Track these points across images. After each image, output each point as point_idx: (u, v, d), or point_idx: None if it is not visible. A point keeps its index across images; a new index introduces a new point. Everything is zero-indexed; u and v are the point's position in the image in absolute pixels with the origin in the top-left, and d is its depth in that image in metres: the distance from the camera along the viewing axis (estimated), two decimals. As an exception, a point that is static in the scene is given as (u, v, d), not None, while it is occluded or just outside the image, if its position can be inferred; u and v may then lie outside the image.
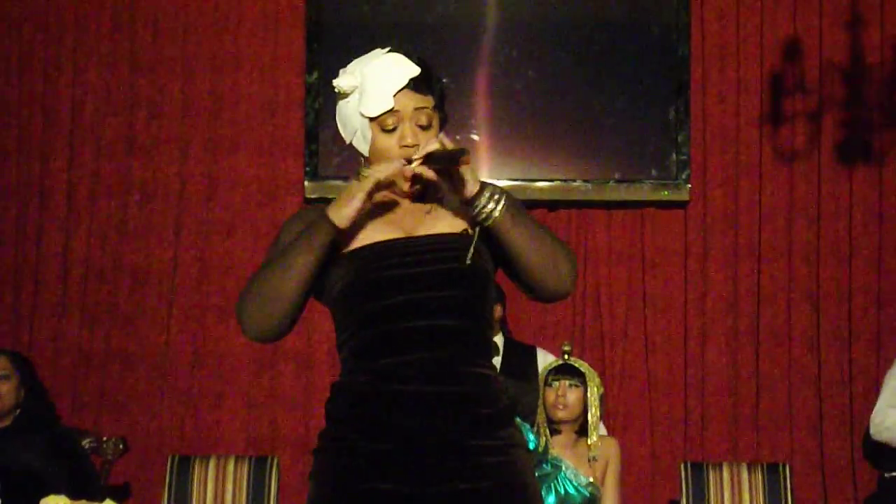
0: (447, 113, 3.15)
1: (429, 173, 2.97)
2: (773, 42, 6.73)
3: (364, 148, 3.06)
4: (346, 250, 3.01)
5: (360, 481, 2.92)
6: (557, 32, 6.67)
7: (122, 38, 6.75)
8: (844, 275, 6.71)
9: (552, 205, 6.61)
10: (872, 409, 6.42)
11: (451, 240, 3.03)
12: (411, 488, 2.90)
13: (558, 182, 6.42)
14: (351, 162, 6.52)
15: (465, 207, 3.02)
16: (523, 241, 2.98)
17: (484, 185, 2.98)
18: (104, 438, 5.92)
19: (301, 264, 2.95)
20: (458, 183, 2.97)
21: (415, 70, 3.05)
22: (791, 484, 5.97)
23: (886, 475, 6.19)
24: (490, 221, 2.96)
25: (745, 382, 6.69)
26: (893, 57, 6.63)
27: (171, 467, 5.97)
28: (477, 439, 2.94)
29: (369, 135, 3.04)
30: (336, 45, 6.64)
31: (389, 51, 3.13)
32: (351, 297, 2.99)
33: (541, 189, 6.31)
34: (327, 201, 6.43)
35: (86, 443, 5.83)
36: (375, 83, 3.04)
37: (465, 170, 2.95)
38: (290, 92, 6.73)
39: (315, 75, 6.63)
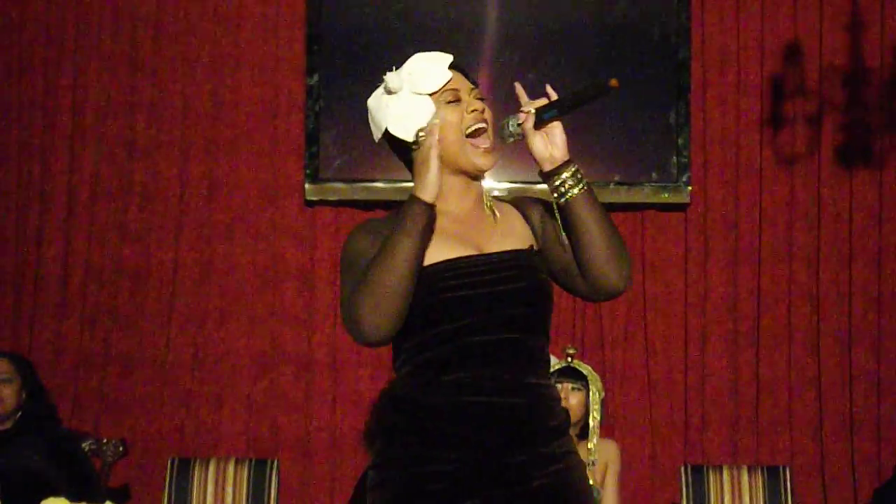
0: None
1: (528, 124, 3.05)
2: (774, 45, 6.74)
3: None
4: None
5: (427, 486, 2.97)
6: (558, 36, 6.67)
7: (122, 40, 6.75)
8: (845, 278, 6.71)
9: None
10: (873, 412, 6.45)
11: (521, 256, 3.08)
12: (483, 493, 2.96)
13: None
14: (350, 164, 6.54)
15: (521, 220, 3.10)
16: (596, 227, 3.02)
17: (572, 160, 3.03)
18: (104, 440, 5.92)
19: (408, 250, 2.94)
20: (552, 146, 3.03)
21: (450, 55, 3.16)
22: (791, 487, 5.97)
23: None
24: (569, 197, 3.01)
25: (746, 385, 6.69)
26: (893, 60, 6.64)
27: (171, 469, 5.96)
28: (545, 447, 3.02)
29: (434, 113, 3.09)
30: (336, 47, 6.64)
31: None
32: (424, 315, 3.00)
33: (542, 191, 6.30)
34: (328, 203, 6.48)
35: (85, 445, 5.82)
36: (425, 65, 3.14)
37: (559, 131, 3.03)
38: (290, 94, 6.72)
39: (315, 78, 6.63)
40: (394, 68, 3.22)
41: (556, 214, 3.06)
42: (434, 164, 2.98)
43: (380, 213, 6.48)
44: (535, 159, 3.08)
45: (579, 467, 3.12)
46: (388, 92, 3.16)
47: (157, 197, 6.71)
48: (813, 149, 6.70)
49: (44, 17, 6.75)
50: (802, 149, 6.70)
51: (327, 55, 6.64)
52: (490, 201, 3.18)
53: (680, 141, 6.63)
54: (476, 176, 3.16)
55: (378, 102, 3.20)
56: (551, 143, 3.03)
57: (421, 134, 3.06)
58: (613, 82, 2.96)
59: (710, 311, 6.72)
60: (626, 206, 6.62)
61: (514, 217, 3.19)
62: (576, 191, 3.00)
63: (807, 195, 6.73)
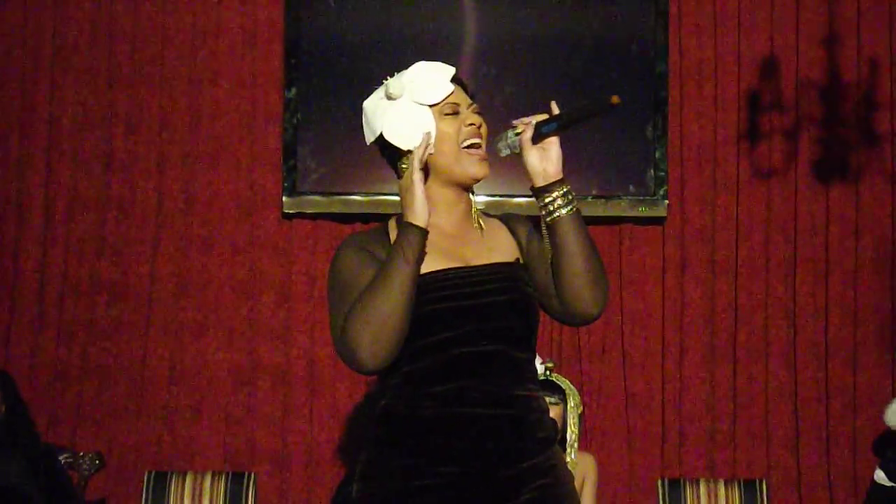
0: None
1: (525, 136, 3.04)
2: (751, 60, 6.76)
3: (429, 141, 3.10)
4: None
5: (416, 495, 2.97)
6: (536, 49, 6.69)
7: (99, 53, 6.73)
8: (821, 291, 6.74)
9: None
10: (849, 425, 6.48)
11: (507, 269, 3.08)
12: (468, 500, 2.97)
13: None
14: (328, 177, 6.54)
15: (508, 234, 3.12)
16: (578, 250, 3.02)
17: (565, 179, 3.03)
18: (80, 454, 5.91)
19: (406, 279, 2.94)
20: (547, 162, 3.03)
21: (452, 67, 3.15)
22: (767, 500, 5.99)
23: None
24: (556, 216, 3.00)
25: (722, 398, 6.71)
26: (870, 74, 6.67)
27: (148, 483, 5.95)
28: (532, 459, 3.02)
29: (433, 125, 3.08)
30: (314, 60, 6.64)
31: None
32: (412, 327, 2.98)
33: (519, 205, 6.29)
34: (306, 217, 6.47)
35: (62, 458, 5.81)
36: (427, 75, 3.12)
37: (556, 148, 3.03)
38: (268, 107, 6.72)
39: (293, 91, 6.63)
40: (393, 74, 3.20)
41: (544, 231, 3.06)
42: (419, 190, 2.98)
43: (358, 226, 6.50)
44: (527, 173, 3.06)
45: (567, 480, 3.13)
46: (388, 97, 3.14)
47: (135, 210, 6.70)
48: (789, 163, 6.73)
49: (20, 31, 6.73)
50: (779, 163, 6.72)
51: (305, 69, 6.64)
52: (478, 214, 3.18)
53: (657, 154, 6.65)
54: (466, 188, 3.15)
55: (375, 106, 3.18)
56: (546, 159, 3.03)
57: (404, 165, 3.05)
58: (615, 100, 2.96)
59: (687, 325, 6.73)
60: (604, 219, 6.62)
61: (501, 231, 3.20)
62: (564, 211, 3.00)
63: (783, 209, 6.75)
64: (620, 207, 6.66)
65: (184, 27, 6.75)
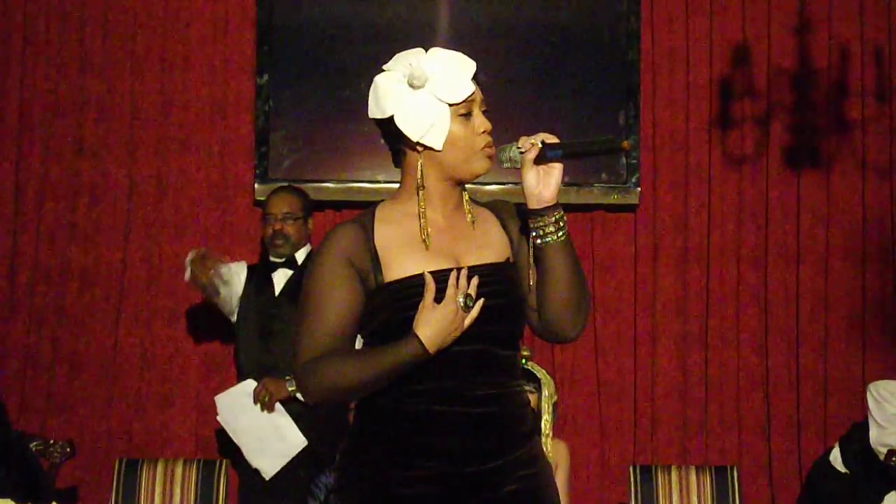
0: None
1: (529, 156, 2.98)
2: (722, 47, 6.78)
3: (439, 140, 3.03)
4: (393, 279, 3.00)
5: (399, 488, 2.97)
6: (508, 36, 6.69)
7: (70, 39, 6.70)
8: (792, 278, 6.76)
9: (502, 208, 6.61)
10: (820, 412, 6.52)
11: (497, 270, 3.05)
12: (450, 493, 2.97)
13: (509, 185, 6.38)
14: (300, 164, 6.52)
15: (500, 228, 3.09)
16: (564, 276, 3.00)
17: (559, 204, 2.99)
18: (51, 441, 5.88)
19: (387, 380, 2.96)
20: (544, 186, 2.97)
21: (473, 62, 3.09)
22: (739, 486, 6.00)
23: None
24: (546, 242, 2.97)
25: (694, 385, 6.73)
26: (841, 62, 6.69)
27: (119, 470, 5.93)
28: (515, 453, 3.02)
29: (447, 124, 3.03)
30: (286, 47, 6.63)
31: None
32: (399, 326, 2.96)
33: (490, 192, 6.30)
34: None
35: (33, 446, 5.79)
36: (452, 70, 3.05)
37: (557, 174, 2.97)
38: (240, 94, 6.70)
39: (265, 77, 6.62)
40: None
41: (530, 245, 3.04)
42: (454, 327, 2.93)
43: (329, 214, 6.50)
44: (524, 190, 3.03)
45: (547, 470, 3.13)
46: (410, 84, 3.05)
47: (106, 196, 6.68)
48: (761, 150, 6.75)
49: (-9, 16, 6.70)
50: (751, 150, 6.74)
51: (277, 55, 6.63)
52: (469, 206, 3.13)
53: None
54: (461, 181, 3.10)
55: (390, 87, 3.05)
56: (544, 183, 2.97)
57: (466, 302, 2.95)
58: (625, 145, 2.94)
59: (659, 312, 6.75)
60: (576, 206, 6.62)
61: (492, 224, 3.13)
62: (552, 238, 2.96)
63: (755, 196, 6.77)
64: (593, 195, 6.67)
65: (155, 14, 6.73)
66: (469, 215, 3.10)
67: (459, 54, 3.09)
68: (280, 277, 5.71)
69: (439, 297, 2.93)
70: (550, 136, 3.01)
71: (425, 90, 3.03)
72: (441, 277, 2.96)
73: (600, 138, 3.01)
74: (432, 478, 2.96)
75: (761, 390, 6.74)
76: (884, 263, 6.76)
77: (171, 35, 6.73)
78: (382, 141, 3.13)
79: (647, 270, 6.76)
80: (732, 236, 6.77)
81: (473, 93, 3.05)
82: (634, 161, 6.66)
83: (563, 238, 2.98)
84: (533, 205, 2.98)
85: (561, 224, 2.98)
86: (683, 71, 6.79)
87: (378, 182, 6.51)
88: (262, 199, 6.53)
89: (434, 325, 2.91)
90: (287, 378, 5.42)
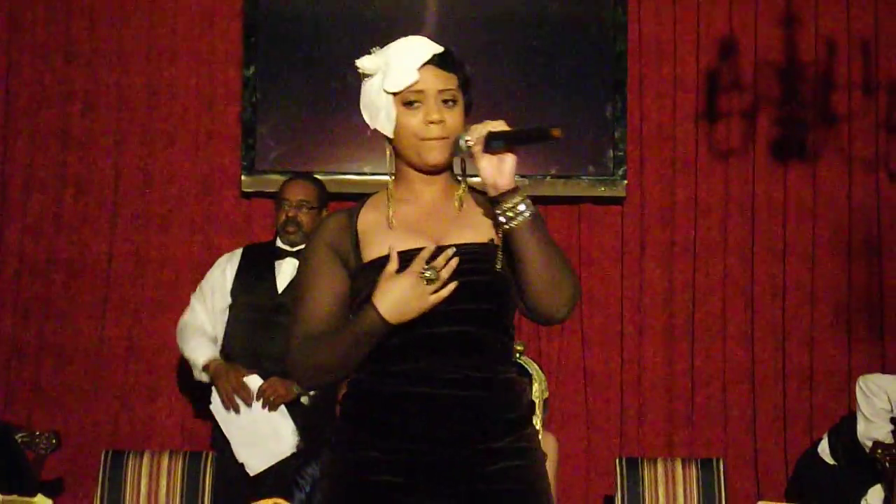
0: (472, 100, 3.15)
1: (476, 148, 2.97)
2: (710, 40, 6.78)
3: (388, 129, 3.05)
4: (372, 258, 3.01)
5: (375, 475, 2.96)
6: (495, 28, 6.68)
7: (56, 30, 6.69)
8: (778, 271, 6.77)
9: (489, 200, 6.61)
10: (805, 405, 6.54)
11: (478, 249, 3.02)
12: (427, 485, 2.95)
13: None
14: (287, 156, 6.51)
15: (489, 212, 3.03)
16: (536, 258, 2.96)
17: (519, 188, 2.97)
18: (37, 433, 5.87)
19: (359, 356, 2.99)
20: (498, 174, 2.96)
21: (438, 48, 3.06)
22: (724, 478, 6.00)
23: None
24: (514, 224, 2.95)
25: (681, 378, 6.74)
26: (827, 55, 6.70)
27: (105, 462, 5.91)
28: (496, 443, 2.99)
29: (393, 113, 3.03)
30: (273, 38, 6.62)
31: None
32: None
33: (477, 184, 6.29)
34: (264, 195, 6.44)
35: (18, 437, 5.78)
36: (399, 59, 3.03)
37: (510, 161, 2.96)
38: (227, 85, 6.69)
39: (252, 69, 6.61)
40: (375, 49, 3.13)
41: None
42: (418, 299, 2.94)
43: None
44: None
45: (538, 467, 3.08)
46: (362, 73, 3.07)
47: (92, 188, 6.66)
48: (748, 143, 6.75)
49: (-24, 6, 6.68)
50: (737, 143, 6.75)
51: (264, 47, 6.62)
52: (463, 192, 3.11)
53: (616, 134, 6.66)
54: (420, 170, 3.08)
55: (363, 76, 3.12)
56: (498, 171, 2.96)
57: (428, 274, 2.94)
58: (556, 133, 2.92)
59: (645, 305, 6.75)
60: (563, 199, 6.64)
61: (484, 208, 3.09)
62: (520, 220, 2.94)
63: (742, 189, 6.78)
64: (579, 187, 6.67)
65: (142, 4, 6.71)
66: (458, 200, 3.09)
67: (419, 42, 3.07)
68: (286, 267, 5.63)
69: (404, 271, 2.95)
70: (497, 123, 2.98)
71: (376, 78, 3.05)
72: (414, 255, 2.95)
73: (537, 127, 2.98)
74: (401, 464, 2.94)
75: (747, 383, 6.75)
76: (870, 257, 6.77)
77: (157, 26, 6.72)
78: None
79: (634, 263, 6.77)
80: (719, 229, 6.78)
81: (417, 81, 3.02)
82: (621, 154, 6.66)
83: (526, 220, 2.94)
84: (492, 193, 2.97)
85: (521, 208, 2.95)
86: (670, 64, 6.80)
87: (365, 174, 6.50)
88: (249, 190, 6.55)
89: (389, 294, 2.92)
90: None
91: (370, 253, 3.02)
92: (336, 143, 6.54)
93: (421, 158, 3.04)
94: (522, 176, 6.50)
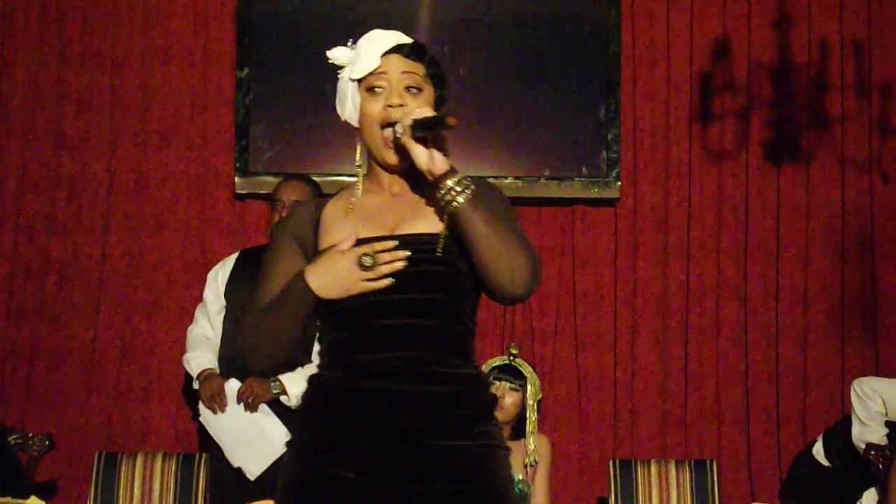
0: (446, 93, 3.15)
1: (405, 138, 2.95)
2: (703, 41, 6.79)
3: (354, 117, 3.08)
4: (327, 246, 3.00)
5: (326, 468, 2.93)
6: (489, 29, 6.69)
7: (50, 32, 6.68)
8: (772, 272, 6.78)
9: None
10: (799, 406, 6.53)
11: (430, 239, 2.99)
12: (378, 483, 2.91)
13: (489, 178, 6.41)
14: (280, 157, 6.51)
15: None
16: (481, 232, 2.91)
17: (454, 170, 2.94)
18: (30, 435, 5.87)
19: (290, 319, 2.99)
20: (430, 160, 2.94)
21: (406, 39, 3.07)
22: (718, 480, 6.01)
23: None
24: (453, 206, 2.92)
25: (674, 379, 6.74)
26: (820, 57, 6.70)
27: (98, 464, 5.91)
28: (449, 440, 2.94)
29: (358, 100, 3.05)
30: (267, 40, 6.62)
31: None
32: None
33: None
34: (257, 197, 6.44)
35: (11, 439, 5.77)
36: (366, 48, 3.05)
37: (433, 150, 2.94)
38: (220, 87, 6.69)
39: (245, 71, 6.61)
40: (350, 43, 3.14)
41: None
42: (348, 278, 2.95)
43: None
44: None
45: (495, 463, 3.01)
46: (336, 66, 3.11)
47: (86, 189, 6.66)
48: (741, 144, 6.76)
49: (-31, 8, 6.68)
50: (731, 144, 6.75)
51: (257, 49, 6.62)
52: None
53: (610, 136, 6.66)
54: (400, 167, 3.07)
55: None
56: (430, 156, 2.94)
57: (366, 261, 2.96)
58: (450, 121, 2.88)
59: (639, 306, 6.76)
60: (556, 200, 6.64)
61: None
62: (459, 200, 2.91)
63: (735, 190, 6.78)
64: (573, 189, 6.67)
65: (135, 5, 6.72)
66: (424, 191, 3.06)
67: (388, 32, 3.09)
68: None
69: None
70: (421, 110, 2.98)
71: (346, 70, 3.09)
72: (366, 244, 2.96)
73: (440, 114, 2.97)
74: (355, 460, 2.91)
75: (741, 384, 6.75)
76: (863, 258, 6.77)
77: (151, 28, 6.72)
78: None
79: (628, 264, 6.77)
80: (712, 230, 6.79)
81: (379, 66, 3.03)
82: (615, 155, 6.66)
83: (466, 199, 2.91)
84: (429, 179, 2.97)
85: (459, 189, 2.92)
86: (664, 65, 6.80)
87: (357, 175, 6.48)
88: (243, 192, 6.55)
89: (323, 265, 2.95)
90: (272, 379, 5.42)
91: (326, 241, 3.02)
92: (329, 144, 6.54)
93: (381, 157, 3.07)
94: (516, 178, 6.56)
